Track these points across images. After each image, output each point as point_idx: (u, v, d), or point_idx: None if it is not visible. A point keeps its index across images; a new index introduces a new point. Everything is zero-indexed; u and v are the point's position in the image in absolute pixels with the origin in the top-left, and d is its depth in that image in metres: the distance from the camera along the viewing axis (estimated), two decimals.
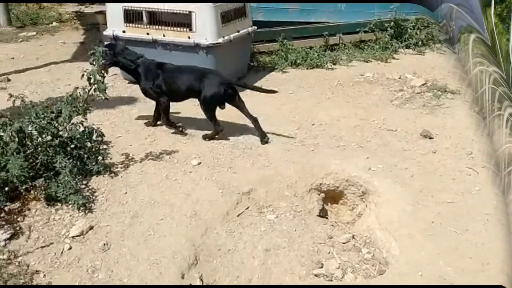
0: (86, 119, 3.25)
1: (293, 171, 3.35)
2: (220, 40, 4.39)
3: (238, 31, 4.69)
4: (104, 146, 3.66)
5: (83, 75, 3.14)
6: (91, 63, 3.13)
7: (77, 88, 3.13)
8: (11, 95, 3.14)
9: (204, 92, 3.68)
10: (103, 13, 6.55)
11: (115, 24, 4.74)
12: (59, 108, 3.12)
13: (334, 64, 5.64)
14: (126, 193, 3.12)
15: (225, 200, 3.03)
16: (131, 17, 4.66)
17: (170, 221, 2.84)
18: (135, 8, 4.59)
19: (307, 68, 5.50)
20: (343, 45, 6.04)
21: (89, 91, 3.14)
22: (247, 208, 3.03)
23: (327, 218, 3.42)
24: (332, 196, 3.50)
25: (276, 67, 5.45)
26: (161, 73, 3.81)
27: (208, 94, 3.66)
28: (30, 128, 2.93)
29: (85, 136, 3.32)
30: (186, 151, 3.62)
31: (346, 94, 4.81)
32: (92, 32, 7.13)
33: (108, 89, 3.21)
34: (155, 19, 4.57)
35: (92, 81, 3.09)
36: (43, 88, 4.95)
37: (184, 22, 4.45)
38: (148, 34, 4.60)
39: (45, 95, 4.77)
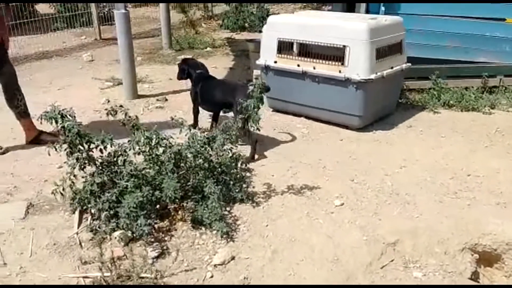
0: (236, 146, 3.32)
1: (445, 226, 3.06)
2: (373, 76, 4.25)
3: (392, 68, 4.51)
4: (248, 174, 3.72)
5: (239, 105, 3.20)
6: (248, 94, 3.19)
7: (226, 118, 3.21)
8: (172, 119, 3.33)
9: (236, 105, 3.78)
10: (253, 41, 6.83)
11: (267, 54, 4.85)
12: (215, 135, 3.22)
13: (493, 108, 5.17)
14: (267, 225, 3.10)
15: (368, 248, 2.86)
16: (283, 48, 4.72)
17: (311, 263, 2.74)
18: (289, 40, 4.65)
19: (461, 110, 5.11)
20: (504, 88, 5.53)
21: (243, 120, 3.20)
22: (392, 260, 2.82)
23: (478, 282, 3.07)
24: (487, 259, 3.14)
25: (426, 106, 5.15)
26: (201, 83, 4.37)
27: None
28: (187, 152, 3.05)
29: (233, 163, 3.40)
30: (328, 189, 3.52)
31: (506, 144, 4.35)
32: (241, 59, 7.43)
33: None
34: (306, 51, 4.58)
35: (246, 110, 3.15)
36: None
37: (336, 55, 4.39)
38: (298, 65, 4.62)
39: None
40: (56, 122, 3.17)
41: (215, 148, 3.14)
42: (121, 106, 3.37)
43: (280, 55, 4.75)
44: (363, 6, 5.17)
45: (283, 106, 4.95)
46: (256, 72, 5.63)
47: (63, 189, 3.15)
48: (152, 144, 3.08)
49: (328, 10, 8.92)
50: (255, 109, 3.13)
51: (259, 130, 3.18)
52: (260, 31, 9.42)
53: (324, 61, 4.45)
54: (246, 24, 9.63)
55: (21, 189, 3.59)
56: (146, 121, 4.85)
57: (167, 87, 5.98)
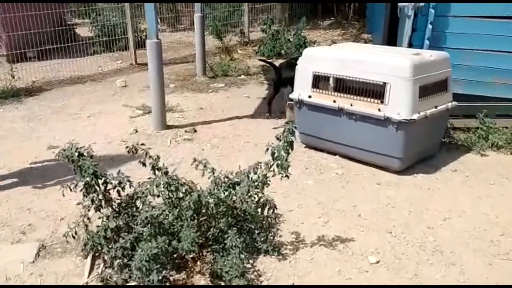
0: (263, 193, 3.06)
1: None
2: (415, 117, 3.92)
3: (436, 107, 4.17)
4: (275, 220, 3.44)
5: (267, 149, 2.95)
6: (277, 138, 2.93)
7: (259, 163, 2.95)
8: (195, 160, 3.10)
9: None
10: None
11: (302, 87, 4.59)
12: (238, 181, 2.97)
13: None
14: (293, 283, 2.80)
15: None
16: (319, 82, 4.46)
17: None
18: (325, 74, 4.38)
19: (511, 153, 4.69)
20: None
21: (270, 166, 2.93)
22: None
23: None
24: None
25: (472, 147, 4.75)
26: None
27: None
28: (208, 199, 2.81)
29: (259, 210, 3.14)
30: (363, 242, 3.19)
31: None
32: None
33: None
34: (343, 86, 4.30)
35: (275, 156, 2.88)
36: (224, 143, 4.98)
37: (375, 92, 4.09)
38: (334, 101, 4.34)
39: (224, 150, 4.80)
40: (73, 161, 3.00)
41: (239, 196, 2.88)
42: (142, 144, 3.17)
43: (315, 90, 4.49)
44: (405, 39, 4.86)
45: (316, 142, 4.67)
46: (290, 104, 5.38)
47: (76, 233, 2.96)
48: (172, 189, 2.84)
49: (369, 40, 8.66)
50: (285, 155, 2.86)
51: (288, 178, 2.90)
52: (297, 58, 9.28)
53: (362, 98, 4.16)
54: (282, 51, 9.43)
55: (35, 227, 3.42)
56: (172, 154, 4.67)
57: (197, 117, 5.80)
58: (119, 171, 3.09)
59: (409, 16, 4.71)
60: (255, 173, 2.96)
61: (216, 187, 3.00)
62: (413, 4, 4.62)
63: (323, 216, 3.53)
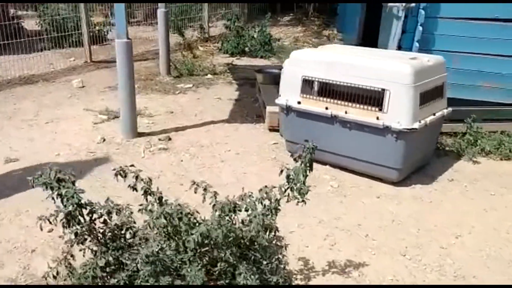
0: (273, 220, 2.72)
1: None
2: (416, 125, 3.70)
3: (434, 114, 3.98)
4: (277, 243, 3.11)
5: (281, 171, 2.61)
6: (295, 160, 2.60)
7: (274, 187, 2.61)
8: (194, 182, 2.71)
9: None
10: (262, 71, 6.27)
11: (289, 93, 4.28)
12: (247, 208, 2.61)
13: None
14: None
15: None
16: (308, 88, 4.16)
17: None
18: (315, 79, 4.08)
19: (501, 159, 4.59)
20: None
21: (285, 190, 2.60)
22: None
23: None
24: None
25: (462, 154, 4.61)
26: None
27: None
28: (218, 231, 2.44)
29: (264, 234, 2.80)
30: (377, 267, 2.93)
31: None
32: (245, 88, 6.86)
33: None
34: (336, 92, 4.02)
35: (291, 178, 2.55)
36: (203, 152, 4.59)
37: (372, 99, 3.84)
38: (327, 108, 4.06)
39: (204, 161, 4.42)
40: (52, 188, 2.54)
41: (253, 226, 2.54)
42: (132, 165, 2.74)
43: (304, 95, 4.18)
44: (394, 41, 4.65)
45: None
46: (270, 108, 5.07)
47: (57, 272, 2.52)
48: (173, 222, 2.45)
49: (335, 39, 8.46)
50: (302, 178, 2.53)
51: (305, 203, 2.58)
52: (262, 56, 8.96)
53: (358, 105, 3.89)
54: (247, 49, 9.08)
55: (3, 263, 2.93)
56: (148, 166, 4.23)
57: (168, 123, 5.36)
58: (108, 198, 2.65)
59: (398, 17, 4.49)
60: (269, 199, 2.61)
61: (221, 212, 2.63)
62: (404, 4, 4.40)
63: (328, 238, 3.24)
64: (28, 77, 7.13)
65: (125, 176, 2.71)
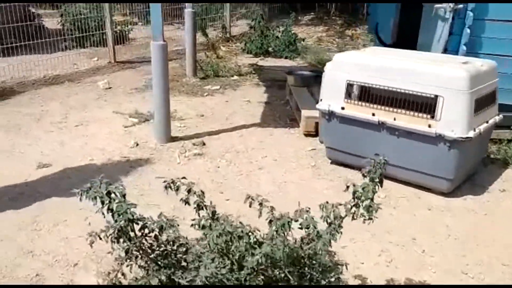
0: (336, 239, 2.55)
1: None
2: (471, 134, 3.52)
3: (487, 122, 3.79)
4: (332, 259, 2.95)
5: (348, 187, 2.44)
6: (364, 175, 2.42)
7: (340, 204, 2.44)
8: (249, 200, 2.55)
9: None
10: (292, 73, 6.10)
11: (332, 97, 4.11)
12: (307, 225, 2.45)
13: None
14: None
15: None
16: (354, 93, 3.99)
17: None
18: (361, 83, 3.91)
19: None
20: None
21: (351, 207, 2.43)
22: None
23: None
24: None
25: (509, 162, 4.40)
26: None
27: None
28: (280, 252, 2.28)
29: (325, 253, 2.64)
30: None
31: None
32: (273, 90, 6.68)
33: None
34: (384, 97, 3.84)
35: (358, 195, 2.38)
36: (239, 158, 4.44)
37: (423, 105, 3.66)
38: (374, 115, 3.88)
39: (242, 168, 4.26)
40: (102, 203, 2.39)
41: (319, 247, 2.37)
42: (183, 177, 2.58)
43: (349, 101, 4.01)
44: (440, 44, 4.45)
45: (347, 159, 4.20)
46: (306, 112, 4.91)
47: None
48: (233, 241, 2.30)
49: (361, 39, 8.26)
50: (371, 195, 2.36)
51: (372, 221, 2.41)
52: (287, 57, 8.78)
53: (408, 112, 3.71)
54: (270, 49, 8.91)
55: (45, 278, 2.79)
56: (185, 173, 4.06)
57: (200, 126, 5.21)
58: (161, 213, 2.50)
59: (445, 19, 4.30)
60: (334, 217, 2.44)
61: (278, 231, 2.47)
62: (452, 5, 4.20)
63: (383, 254, 3.07)
64: (53, 78, 7.02)
65: (177, 190, 2.56)
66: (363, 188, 2.36)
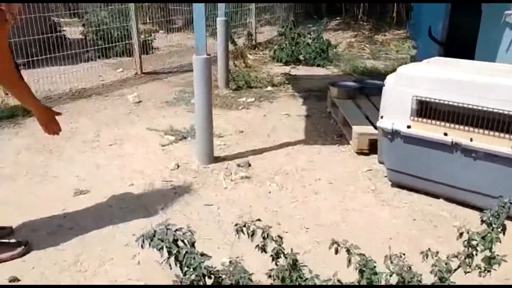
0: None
1: None
2: None
3: None
4: None
5: (461, 234, 2.06)
6: (483, 221, 2.04)
7: (454, 256, 2.05)
8: (334, 245, 2.17)
9: None
10: (336, 85, 5.73)
11: (395, 115, 3.72)
12: (403, 277, 2.06)
13: None
14: None
15: None
16: (422, 110, 3.60)
17: None
18: (432, 100, 3.52)
19: None
20: None
21: (466, 257, 2.03)
22: None
23: None
24: None
25: None
26: None
27: None
28: None
29: None
30: None
31: None
32: (311, 102, 6.31)
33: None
34: (458, 115, 3.45)
35: (475, 245, 2.00)
36: (291, 182, 4.07)
37: (505, 124, 3.26)
38: (446, 134, 3.49)
39: (295, 193, 3.89)
40: (169, 253, 2.04)
41: None
42: (258, 219, 2.21)
43: (416, 119, 3.62)
44: (508, 54, 4.05)
45: (412, 182, 3.81)
46: (358, 129, 4.53)
47: None
48: None
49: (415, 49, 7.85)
50: (492, 244, 1.97)
51: (490, 273, 2.03)
52: (318, 65, 8.40)
53: (487, 132, 3.32)
54: (301, 57, 8.54)
55: None
56: (234, 199, 3.72)
57: (242, 144, 4.85)
58: (231, 261, 2.13)
59: None
60: (440, 270, 2.05)
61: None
62: None
63: None
64: (79, 91, 6.73)
65: (253, 235, 2.20)
66: (482, 237, 1.95)
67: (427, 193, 3.81)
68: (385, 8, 11.72)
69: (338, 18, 12.29)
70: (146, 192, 3.87)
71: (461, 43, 5.32)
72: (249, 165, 4.33)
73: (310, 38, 8.65)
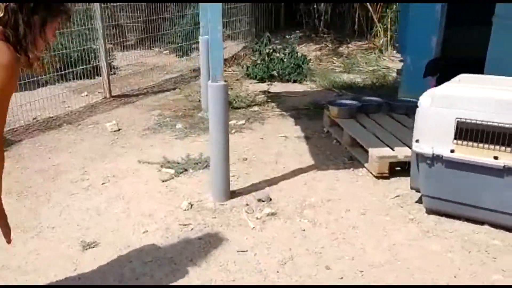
0: None
1: None
2: None
3: None
4: None
5: None
6: None
7: None
8: None
9: None
10: (336, 104, 5.46)
11: (434, 138, 3.48)
12: None
13: None
14: None
15: None
16: (466, 133, 3.37)
17: None
18: (479, 121, 3.30)
19: None
20: None
21: None
22: None
23: None
24: None
25: None
26: None
27: None
28: None
29: None
30: None
31: None
32: (303, 122, 5.99)
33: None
34: (505, 138, 3.24)
35: None
36: (322, 216, 3.72)
37: None
38: (496, 158, 3.27)
39: (332, 228, 3.54)
40: None
41: None
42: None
43: (459, 142, 3.39)
44: None
45: (455, 209, 3.58)
46: (376, 152, 4.26)
47: None
48: None
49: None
50: None
51: None
52: (295, 81, 8.11)
53: None
54: (274, 72, 8.22)
55: None
56: (269, 243, 3.33)
57: (252, 174, 4.45)
58: None
59: None
60: None
61: None
62: None
63: None
64: (47, 121, 6.05)
65: None
66: None
67: (467, 220, 3.58)
68: (343, 20, 11.70)
69: (297, 31, 12.12)
70: (165, 240, 3.38)
71: (458, 58, 5.22)
72: (270, 199, 3.93)
73: (283, 54, 8.36)
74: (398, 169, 4.38)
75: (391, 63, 9.36)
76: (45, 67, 6.91)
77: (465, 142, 3.38)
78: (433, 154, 3.47)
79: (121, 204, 3.89)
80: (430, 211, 3.72)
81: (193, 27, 10.00)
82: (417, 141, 3.61)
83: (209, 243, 3.35)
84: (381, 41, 10.29)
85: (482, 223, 3.52)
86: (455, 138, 3.41)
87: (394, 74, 7.99)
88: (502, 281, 2.93)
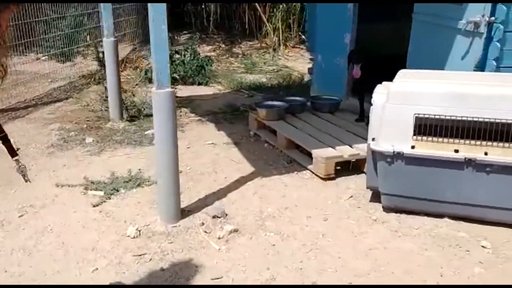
0: None
1: None
2: None
3: None
4: None
5: None
6: None
7: None
8: None
9: None
10: (263, 106, 5.26)
11: (394, 135, 3.43)
12: None
13: None
14: None
15: None
16: (426, 128, 3.36)
17: None
18: (438, 116, 3.30)
19: None
20: None
21: None
22: None
23: None
24: None
25: None
26: None
27: None
28: None
29: None
30: None
31: None
32: (225, 126, 5.67)
33: None
34: (468, 130, 3.29)
35: None
36: (286, 226, 3.48)
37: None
38: (457, 151, 3.30)
39: (301, 240, 3.32)
40: None
41: None
42: None
43: (419, 138, 3.37)
44: (464, 61, 4.07)
45: (416, 204, 3.56)
46: (322, 153, 4.15)
47: None
48: None
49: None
50: None
51: None
52: (200, 83, 7.75)
53: (501, 144, 3.23)
54: (175, 75, 7.76)
55: None
56: (243, 264, 3.02)
57: (194, 188, 4.05)
58: None
59: (480, 34, 3.94)
60: None
61: None
62: (486, 18, 3.85)
63: None
64: None
65: None
66: None
67: (427, 214, 3.59)
68: (231, 21, 11.60)
69: (185, 32, 11.72)
70: (123, 277, 2.88)
71: (376, 54, 5.30)
72: (226, 214, 3.59)
73: (184, 55, 7.94)
74: (339, 168, 4.29)
75: (288, 62, 9.42)
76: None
77: (425, 138, 3.37)
78: (393, 151, 3.41)
79: (52, 239, 3.26)
80: (388, 209, 3.67)
81: (75, 29, 9.14)
82: (373, 139, 3.53)
83: (176, 273, 2.92)
84: (274, 40, 10.30)
85: (441, 216, 3.54)
86: (414, 134, 3.38)
87: (296, 73, 8.06)
88: (484, 274, 2.94)
